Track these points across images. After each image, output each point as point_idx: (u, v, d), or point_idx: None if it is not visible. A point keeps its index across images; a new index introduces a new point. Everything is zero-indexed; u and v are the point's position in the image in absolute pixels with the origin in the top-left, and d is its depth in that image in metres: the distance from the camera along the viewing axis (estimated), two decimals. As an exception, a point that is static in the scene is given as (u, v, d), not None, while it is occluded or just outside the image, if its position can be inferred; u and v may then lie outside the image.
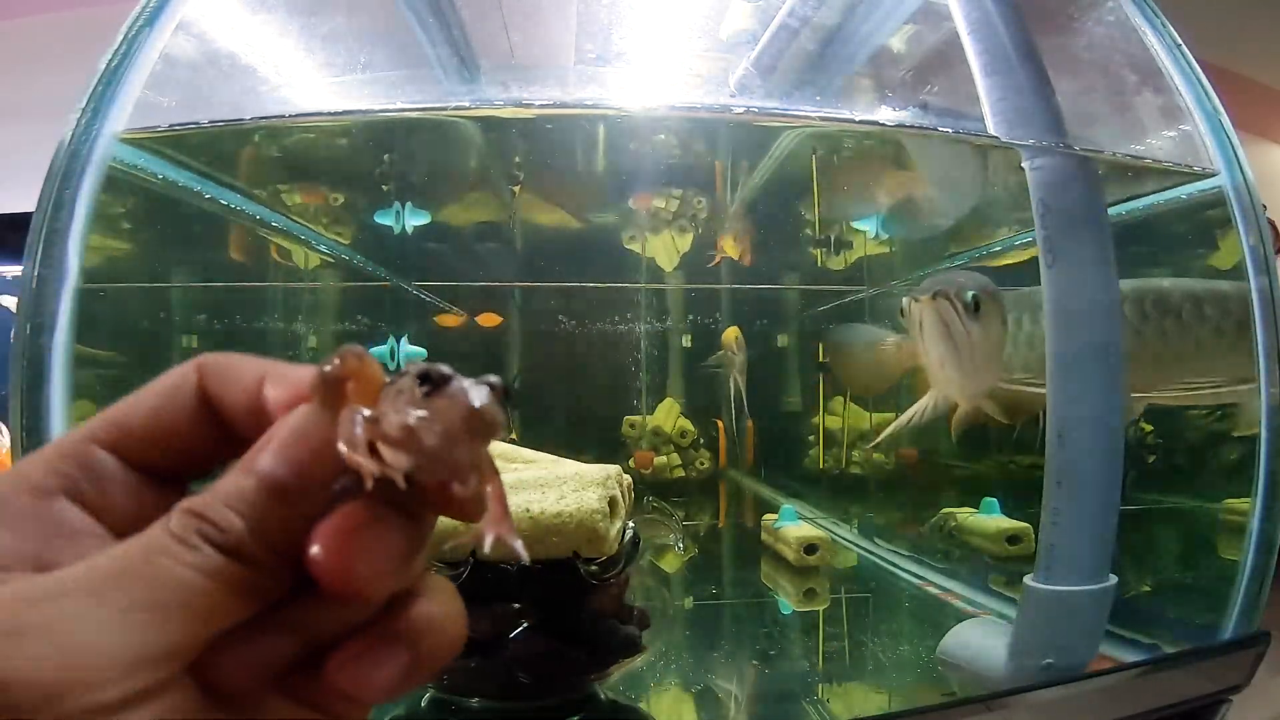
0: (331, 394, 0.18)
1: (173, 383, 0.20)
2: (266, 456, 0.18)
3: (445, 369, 0.18)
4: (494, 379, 0.18)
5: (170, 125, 0.59)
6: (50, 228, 0.54)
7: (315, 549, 0.17)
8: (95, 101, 0.56)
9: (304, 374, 0.19)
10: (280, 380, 0.20)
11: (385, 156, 1.03)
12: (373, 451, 0.17)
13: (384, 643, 0.18)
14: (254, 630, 0.18)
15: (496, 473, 0.20)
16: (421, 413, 0.17)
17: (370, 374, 0.18)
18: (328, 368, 0.18)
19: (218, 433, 0.20)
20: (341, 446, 0.17)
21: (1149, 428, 0.89)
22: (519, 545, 0.20)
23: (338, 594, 0.17)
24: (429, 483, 0.18)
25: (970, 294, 0.68)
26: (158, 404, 0.20)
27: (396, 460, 0.17)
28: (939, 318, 0.68)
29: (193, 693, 0.17)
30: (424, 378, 0.17)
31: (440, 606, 0.19)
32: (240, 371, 0.20)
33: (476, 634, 0.47)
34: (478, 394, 0.17)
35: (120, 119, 0.56)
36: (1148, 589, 0.80)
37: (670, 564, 0.89)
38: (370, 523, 0.18)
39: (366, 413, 0.18)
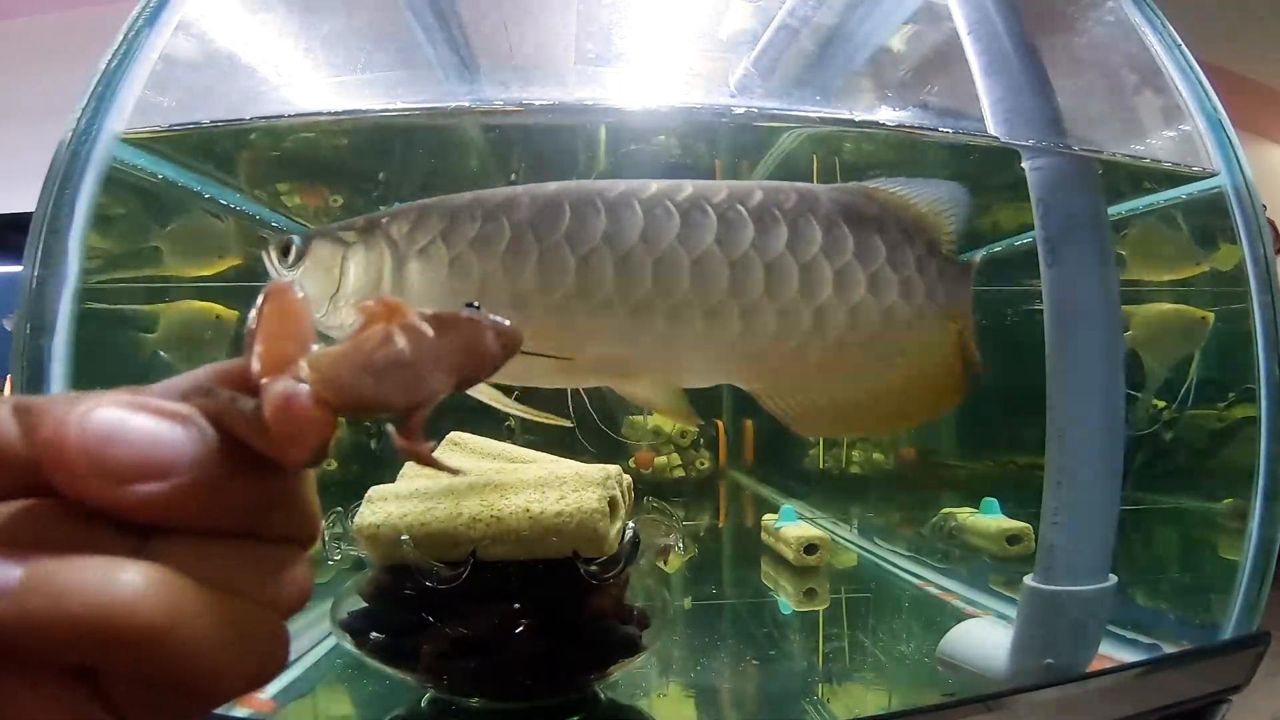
0: None
1: None
2: None
3: None
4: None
5: (170, 125, 0.59)
6: (50, 228, 0.54)
7: None
8: (95, 101, 0.56)
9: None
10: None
11: (382, 172, 1.03)
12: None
13: None
14: None
15: (427, 411, 0.19)
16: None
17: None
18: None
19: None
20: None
21: (1162, 403, 0.89)
22: (451, 465, 0.22)
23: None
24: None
25: (292, 238, 0.50)
26: None
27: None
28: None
29: None
30: None
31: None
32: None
33: (476, 634, 0.47)
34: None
35: (120, 119, 0.56)
36: (1148, 589, 0.80)
37: (670, 564, 0.89)
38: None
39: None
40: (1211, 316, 0.82)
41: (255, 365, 0.18)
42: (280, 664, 0.19)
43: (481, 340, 0.19)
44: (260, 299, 0.18)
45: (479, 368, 0.19)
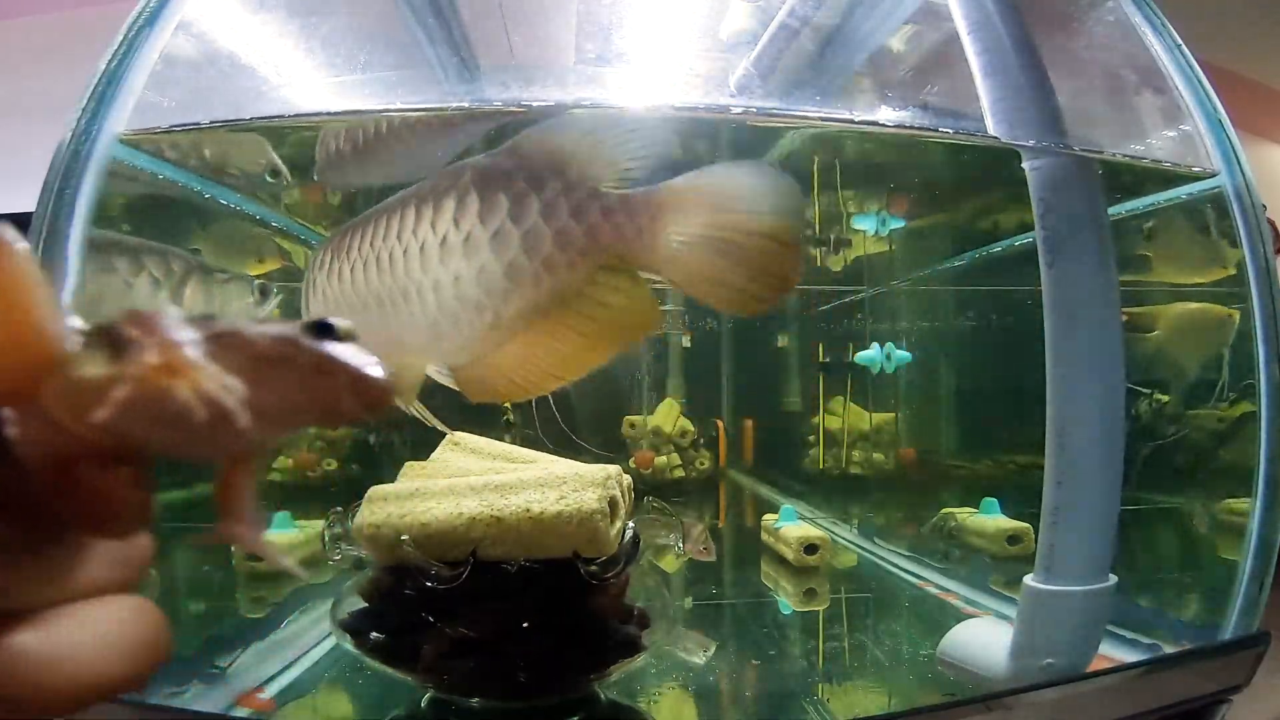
0: None
1: None
2: None
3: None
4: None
5: (170, 125, 0.59)
6: (50, 228, 0.54)
7: None
8: (95, 101, 0.56)
9: None
10: None
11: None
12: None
13: None
14: None
15: (251, 466, 0.15)
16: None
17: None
18: None
19: None
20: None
21: (1165, 398, 0.89)
22: (284, 561, 0.17)
23: None
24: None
25: None
26: None
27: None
28: None
29: None
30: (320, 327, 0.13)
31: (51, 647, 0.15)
32: None
33: (476, 634, 0.47)
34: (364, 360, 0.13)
35: (120, 119, 0.56)
36: (1148, 589, 0.80)
37: (670, 564, 0.89)
38: None
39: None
40: (1237, 314, 0.82)
41: None
42: (166, 636, 0.17)
43: (327, 384, 0.13)
44: None
45: (324, 417, 0.13)
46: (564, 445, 1.07)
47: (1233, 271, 0.78)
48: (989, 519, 0.93)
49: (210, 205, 0.81)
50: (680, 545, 0.54)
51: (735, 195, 0.46)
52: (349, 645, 0.49)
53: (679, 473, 1.22)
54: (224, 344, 0.12)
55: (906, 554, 0.99)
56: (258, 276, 0.86)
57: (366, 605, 0.50)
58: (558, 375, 0.48)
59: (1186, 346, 0.88)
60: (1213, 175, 0.66)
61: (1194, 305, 0.89)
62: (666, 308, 1.23)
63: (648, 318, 0.48)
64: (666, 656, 0.63)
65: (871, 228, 1.20)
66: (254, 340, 0.12)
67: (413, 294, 0.48)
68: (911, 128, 0.62)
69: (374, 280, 0.49)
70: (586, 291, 0.46)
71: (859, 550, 1.05)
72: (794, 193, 0.47)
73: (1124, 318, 0.89)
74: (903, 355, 1.13)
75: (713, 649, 0.63)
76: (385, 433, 1.09)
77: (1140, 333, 0.90)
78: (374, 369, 0.13)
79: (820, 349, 1.29)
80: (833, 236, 1.23)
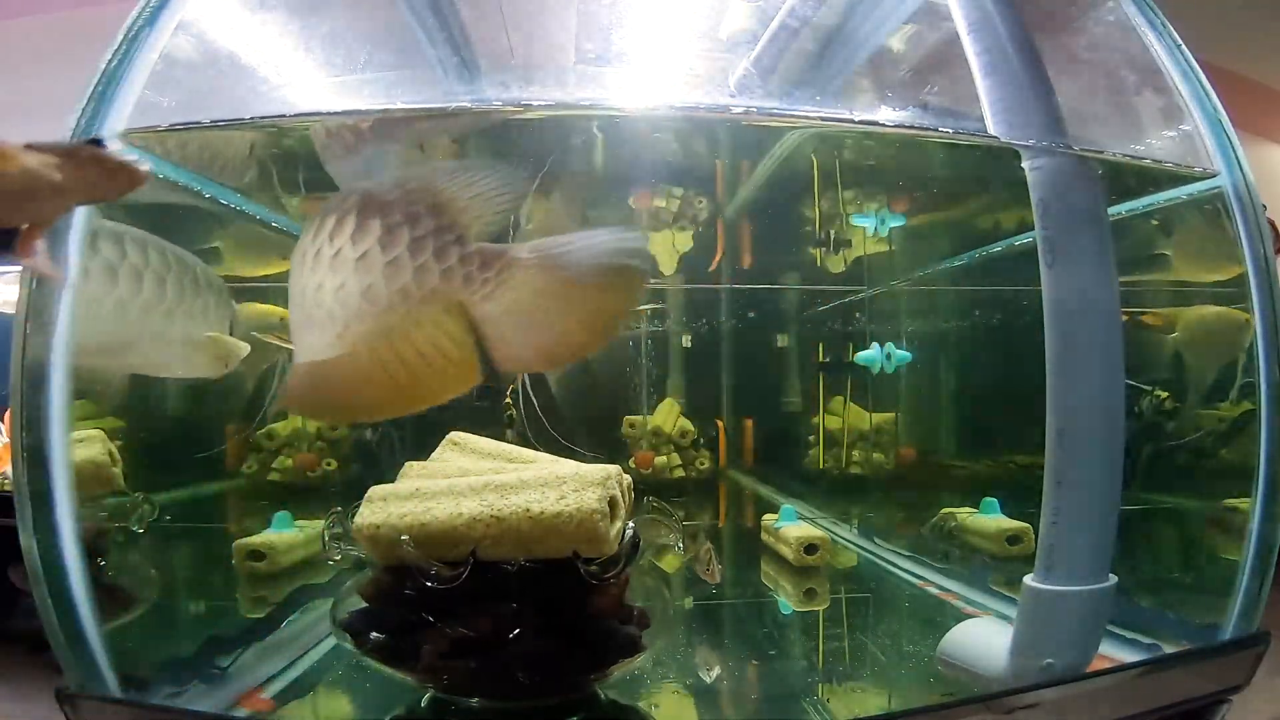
0: None
1: None
2: None
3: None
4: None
5: (171, 124, 0.59)
6: (50, 228, 0.54)
7: None
8: (95, 101, 0.56)
9: None
10: None
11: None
12: None
13: None
14: None
15: (46, 226, 0.29)
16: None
17: None
18: None
19: None
20: None
21: (1165, 394, 0.89)
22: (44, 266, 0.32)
23: None
24: None
25: None
26: None
27: None
28: None
29: None
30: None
31: None
32: None
33: (476, 634, 0.47)
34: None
35: (121, 118, 0.56)
36: (1148, 589, 0.80)
37: (670, 564, 0.89)
38: None
39: None
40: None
41: None
42: None
43: (101, 176, 0.26)
44: None
45: (99, 197, 0.26)
46: (563, 446, 1.07)
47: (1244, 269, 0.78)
48: (989, 519, 0.93)
49: (212, 205, 0.81)
50: (679, 546, 0.54)
51: (581, 256, 0.48)
52: (349, 645, 0.49)
53: (679, 473, 1.22)
54: (36, 148, 0.25)
55: (906, 554, 0.99)
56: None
57: (366, 605, 0.50)
58: (374, 410, 0.49)
59: (1204, 349, 0.88)
60: (1213, 175, 0.66)
61: (1214, 309, 0.89)
62: (659, 306, 1.23)
63: (471, 373, 0.49)
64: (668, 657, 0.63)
65: (871, 227, 1.20)
66: (53, 146, 0.25)
67: (292, 297, 0.50)
68: (911, 128, 0.62)
69: (290, 282, 0.51)
70: (426, 331, 0.48)
71: (859, 550, 1.05)
72: (639, 251, 0.50)
73: (1143, 319, 0.89)
74: (903, 355, 1.13)
75: (716, 670, 0.64)
76: (385, 431, 1.09)
77: (1160, 333, 0.90)
78: (128, 159, 0.27)
79: (820, 349, 1.29)
80: (832, 236, 1.23)
